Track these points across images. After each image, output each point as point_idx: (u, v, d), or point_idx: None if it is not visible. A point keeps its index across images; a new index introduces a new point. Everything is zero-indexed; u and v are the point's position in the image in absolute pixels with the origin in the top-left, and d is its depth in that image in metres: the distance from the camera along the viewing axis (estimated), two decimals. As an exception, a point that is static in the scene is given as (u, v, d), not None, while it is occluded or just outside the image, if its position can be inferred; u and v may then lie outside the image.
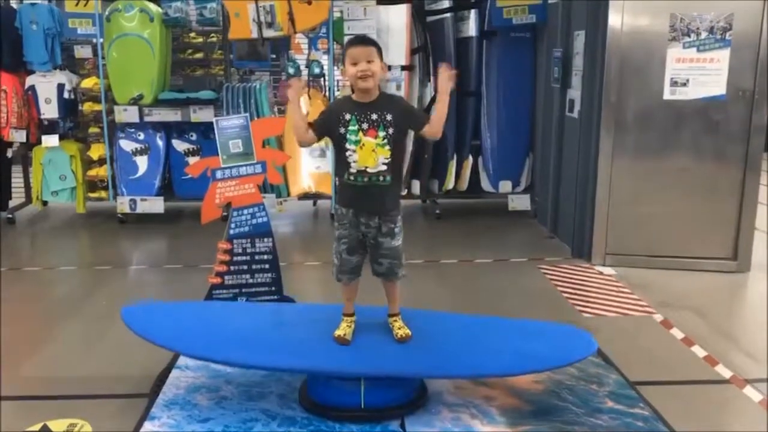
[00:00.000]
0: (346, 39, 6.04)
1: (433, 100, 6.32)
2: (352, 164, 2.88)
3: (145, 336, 3.00)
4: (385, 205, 2.93)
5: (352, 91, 2.96)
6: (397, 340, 2.99)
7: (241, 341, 3.01)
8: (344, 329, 3.01)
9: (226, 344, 2.99)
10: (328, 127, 2.92)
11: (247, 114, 3.97)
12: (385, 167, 2.87)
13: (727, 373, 3.38)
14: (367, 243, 2.97)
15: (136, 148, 6.35)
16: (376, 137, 2.86)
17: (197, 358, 3.13)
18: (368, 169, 2.87)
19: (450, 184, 6.44)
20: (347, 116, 2.87)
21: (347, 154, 2.88)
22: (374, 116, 2.86)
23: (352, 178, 2.89)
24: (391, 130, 2.87)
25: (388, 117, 2.86)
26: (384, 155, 2.86)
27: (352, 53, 2.84)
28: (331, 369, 2.89)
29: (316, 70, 6.36)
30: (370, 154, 2.86)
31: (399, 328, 3.02)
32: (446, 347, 2.99)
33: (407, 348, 2.96)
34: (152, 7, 6.16)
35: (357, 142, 2.86)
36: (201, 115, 6.16)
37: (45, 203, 6.69)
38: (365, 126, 2.85)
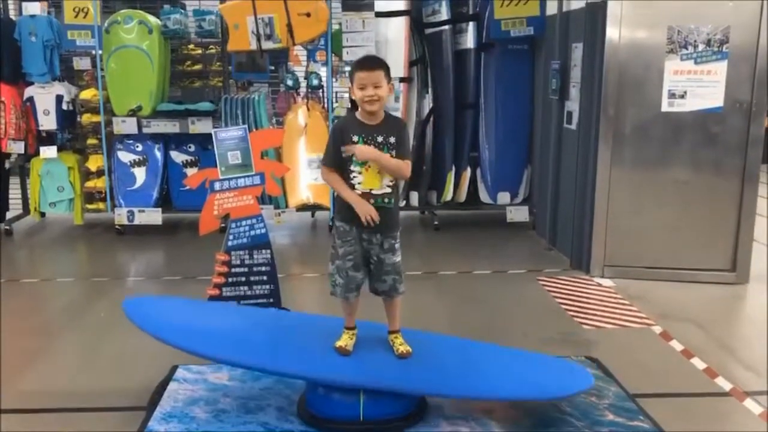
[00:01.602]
0: (344, 51, 6.06)
1: (431, 112, 6.33)
2: (357, 186, 2.89)
3: (147, 329, 2.99)
4: (388, 224, 2.95)
5: (353, 107, 2.96)
6: (398, 356, 2.99)
7: (243, 343, 3.01)
8: (345, 340, 3.01)
9: (228, 344, 2.98)
10: (339, 150, 2.92)
11: (246, 125, 3.98)
12: (389, 189, 2.91)
13: (727, 386, 3.37)
14: (370, 261, 2.98)
15: (134, 160, 6.35)
16: None
17: (198, 355, 3.06)
18: (373, 191, 2.89)
19: (448, 195, 6.44)
20: (354, 138, 2.88)
21: (352, 175, 2.90)
22: (380, 139, 2.88)
23: None
24: (394, 153, 2.89)
25: (392, 140, 2.89)
26: (389, 177, 2.90)
27: (360, 77, 2.84)
28: (332, 378, 2.88)
29: (315, 82, 6.37)
30: (375, 176, 2.89)
31: (400, 345, 3.02)
32: (446, 367, 3.00)
33: (407, 363, 2.96)
34: (151, 19, 6.17)
35: (363, 164, 2.88)
36: (199, 126, 6.16)
37: (43, 214, 6.69)
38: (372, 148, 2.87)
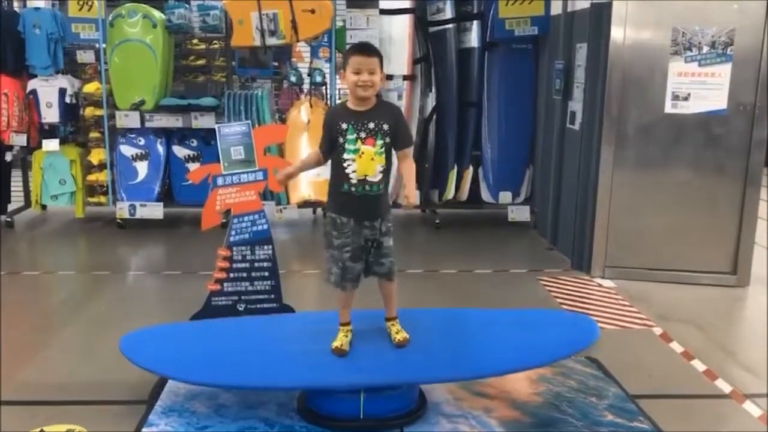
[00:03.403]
0: (348, 48, 6.05)
1: (434, 110, 6.33)
2: (352, 174, 2.88)
3: (145, 366, 2.98)
4: (384, 209, 2.97)
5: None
6: (396, 345, 2.99)
7: (238, 363, 2.98)
8: (341, 340, 3.00)
9: (226, 369, 2.95)
10: (332, 138, 2.93)
11: (249, 121, 3.98)
12: (381, 175, 2.90)
13: (726, 388, 3.37)
14: (370, 246, 2.97)
15: (137, 154, 6.34)
16: (374, 146, 2.87)
17: (200, 384, 3.08)
18: (368, 178, 2.88)
19: (450, 194, 6.44)
20: (344, 125, 2.87)
21: (345, 164, 2.89)
22: (371, 125, 2.87)
23: (352, 189, 2.90)
24: (387, 139, 2.89)
25: (385, 126, 2.88)
26: (381, 163, 2.89)
27: (356, 62, 2.83)
28: (330, 384, 2.88)
29: (318, 79, 6.36)
30: (369, 162, 2.87)
31: (397, 333, 3.02)
32: (445, 350, 3.00)
33: (406, 354, 2.96)
34: (155, 13, 6.17)
35: (356, 151, 2.86)
36: (202, 121, 6.16)
37: (44, 207, 6.69)
38: (363, 135, 2.86)
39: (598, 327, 3.06)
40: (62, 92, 6.26)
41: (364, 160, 2.87)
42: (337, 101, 6.36)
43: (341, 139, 2.88)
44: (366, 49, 2.90)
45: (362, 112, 2.88)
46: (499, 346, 3.00)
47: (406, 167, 3.03)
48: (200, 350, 3.10)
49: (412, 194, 2.99)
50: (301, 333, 3.23)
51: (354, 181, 2.89)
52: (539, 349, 2.95)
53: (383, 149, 2.88)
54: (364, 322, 3.10)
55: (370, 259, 2.99)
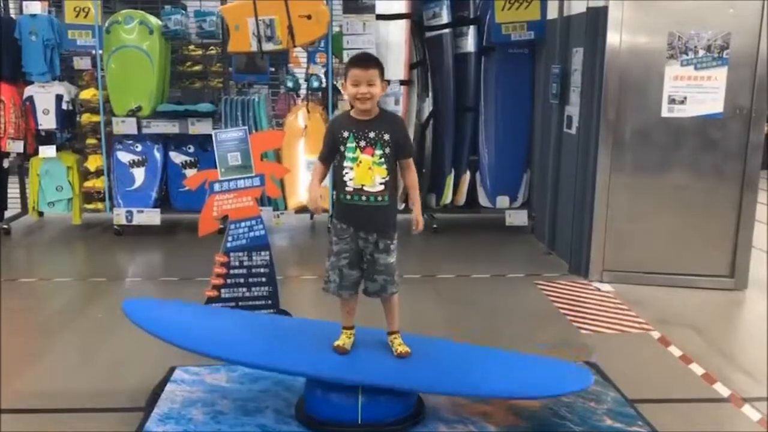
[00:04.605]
0: (345, 53, 6.06)
1: (431, 115, 6.33)
2: (348, 182, 2.89)
3: (146, 327, 2.99)
4: (383, 224, 2.95)
5: (351, 106, 2.97)
6: (397, 357, 2.99)
7: (241, 342, 3.01)
8: (343, 340, 3.02)
9: (226, 343, 2.98)
10: (333, 147, 2.94)
11: (246, 127, 3.98)
12: (382, 187, 2.89)
13: (725, 392, 3.37)
14: (364, 258, 2.97)
15: (133, 160, 6.34)
16: (373, 155, 2.87)
17: (196, 353, 3.03)
18: (365, 188, 2.88)
19: (447, 198, 6.44)
20: (345, 134, 2.89)
21: (344, 171, 2.90)
22: (372, 134, 2.88)
23: (348, 197, 2.91)
24: (388, 150, 2.89)
25: (386, 136, 2.88)
26: (381, 174, 2.88)
27: (355, 75, 2.84)
28: (329, 374, 2.88)
29: (315, 84, 6.37)
30: (367, 172, 2.87)
31: (399, 345, 3.03)
32: (445, 366, 3.00)
33: (406, 362, 2.96)
34: (152, 19, 6.17)
35: (354, 159, 2.87)
36: (199, 127, 6.16)
37: (41, 214, 6.68)
38: (363, 144, 2.87)
39: (592, 377, 3.07)
40: (59, 99, 6.24)
41: (362, 169, 2.87)
42: (335, 107, 6.36)
43: (342, 147, 2.90)
44: (364, 61, 2.89)
45: (364, 121, 2.90)
46: (496, 374, 2.99)
47: (409, 179, 3.04)
48: (206, 327, 3.12)
49: (419, 218, 3.05)
50: (302, 331, 3.26)
51: (350, 189, 2.89)
52: (536, 384, 2.95)
53: (383, 159, 2.88)
54: (368, 338, 3.11)
55: (365, 273, 3.00)
